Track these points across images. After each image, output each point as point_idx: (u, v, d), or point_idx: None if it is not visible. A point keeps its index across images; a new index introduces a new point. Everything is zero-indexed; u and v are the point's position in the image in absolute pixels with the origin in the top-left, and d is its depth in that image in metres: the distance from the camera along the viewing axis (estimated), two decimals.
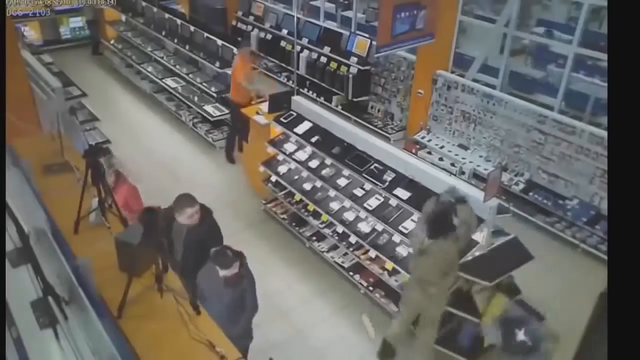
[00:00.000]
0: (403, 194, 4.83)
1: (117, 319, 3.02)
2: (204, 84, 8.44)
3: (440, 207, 3.97)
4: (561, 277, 5.63)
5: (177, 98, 8.94)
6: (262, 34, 10.65)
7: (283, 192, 6.20)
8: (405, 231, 4.63)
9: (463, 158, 7.18)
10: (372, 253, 5.13)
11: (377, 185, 5.01)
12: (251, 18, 11.05)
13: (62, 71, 7.79)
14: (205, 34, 8.61)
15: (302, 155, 5.87)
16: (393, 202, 4.93)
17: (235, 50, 7.89)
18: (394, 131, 8.40)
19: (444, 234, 3.85)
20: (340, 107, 9.07)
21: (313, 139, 5.74)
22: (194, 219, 3.89)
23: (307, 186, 5.79)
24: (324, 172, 5.60)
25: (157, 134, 8.60)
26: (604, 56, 6.55)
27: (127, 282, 3.05)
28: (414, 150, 7.56)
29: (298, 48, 9.08)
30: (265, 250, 5.96)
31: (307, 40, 9.40)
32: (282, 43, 10.15)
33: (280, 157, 6.12)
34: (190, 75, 8.79)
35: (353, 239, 5.27)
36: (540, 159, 6.52)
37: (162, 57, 9.50)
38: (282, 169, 6.12)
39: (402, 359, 4.47)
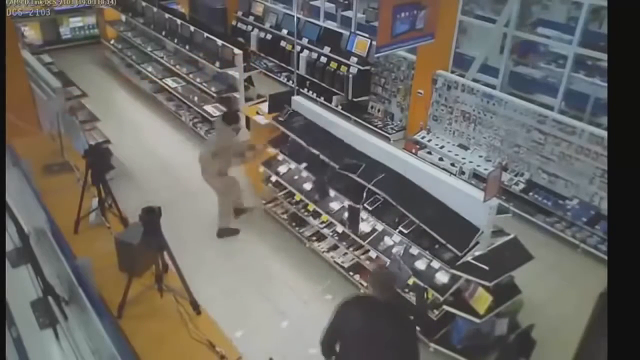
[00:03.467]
0: None
1: (117, 319, 3.02)
2: (204, 84, 8.43)
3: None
4: (561, 277, 5.63)
5: (177, 98, 8.93)
6: (262, 34, 10.65)
7: (283, 192, 6.20)
8: (406, 231, 4.63)
9: (463, 158, 7.17)
10: (372, 253, 5.14)
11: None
12: (251, 18, 11.05)
13: (62, 71, 7.78)
14: (205, 34, 8.61)
15: None
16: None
17: (235, 50, 7.90)
18: (394, 131, 8.40)
19: (227, 122, 5.76)
20: (340, 107, 9.06)
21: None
22: None
23: (307, 186, 5.79)
24: None
25: (157, 134, 8.59)
26: (604, 56, 6.55)
27: (127, 282, 3.05)
28: (414, 150, 7.56)
29: (298, 48, 9.08)
30: (265, 250, 5.96)
31: (307, 40, 9.39)
32: (282, 43, 10.15)
33: (280, 157, 6.11)
34: (190, 75, 8.78)
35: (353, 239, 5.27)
36: (540, 159, 6.52)
37: (162, 57, 9.49)
38: (282, 169, 6.12)
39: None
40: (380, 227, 5.01)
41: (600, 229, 5.87)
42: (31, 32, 11.20)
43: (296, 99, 6.27)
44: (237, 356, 2.89)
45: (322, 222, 5.71)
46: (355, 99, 8.73)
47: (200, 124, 8.31)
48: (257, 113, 6.75)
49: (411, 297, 4.76)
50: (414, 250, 4.66)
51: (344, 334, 3.15)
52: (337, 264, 5.54)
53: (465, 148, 7.36)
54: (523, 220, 6.37)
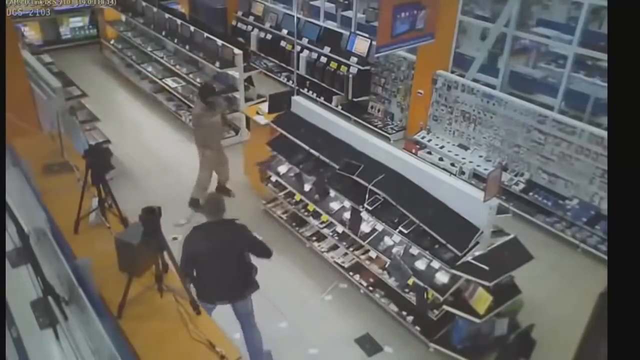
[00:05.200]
0: None
1: (117, 319, 3.02)
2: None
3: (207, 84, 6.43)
4: (561, 277, 5.63)
5: (177, 98, 8.93)
6: (262, 34, 10.66)
7: (283, 192, 6.19)
8: (406, 231, 4.63)
9: (463, 158, 7.17)
10: (372, 253, 5.14)
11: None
12: (251, 18, 11.05)
13: (62, 71, 7.78)
14: (205, 34, 8.61)
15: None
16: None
17: (235, 50, 7.89)
18: (394, 131, 8.41)
19: (200, 97, 6.12)
20: (340, 107, 9.07)
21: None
22: None
23: (307, 186, 5.79)
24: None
25: (157, 134, 8.59)
26: (604, 56, 6.55)
27: (127, 282, 3.05)
28: (414, 150, 7.56)
29: (298, 48, 9.08)
30: None
31: (307, 40, 9.40)
32: (282, 43, 10.15)
33: (280, 157, 6.11)
34: (190, 75, 8.79)
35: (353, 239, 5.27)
36: (540, 159, 6.52)
37: (162, 57, 9.50)
38: (282, 169, 6.12)
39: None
40: (380, 227, 5.01)
41: (600, 229, 5.88)
42: (31, 32, 11.20)
43: (296, 99, 6.27)
44: (237, 356, 2.88)
45: (322, 222, 5.72)
46: (355, 99, 8.73)
47: None
48: (257, 113, 6.75)
49: (411, 297, 4.76)
50: (414, 250, 4.66)
51: (196, 260, 3.88)
52: (337, 264, 5.54)
53: (465, 148, 7.36)
54: (523, 220, 6.38)
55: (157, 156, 7.81)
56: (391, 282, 4.96)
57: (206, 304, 4.00)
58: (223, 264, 3.99)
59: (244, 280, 4.15)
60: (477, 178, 6.92)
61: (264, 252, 4.18)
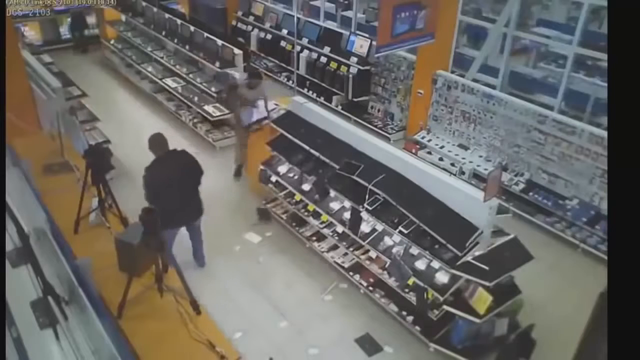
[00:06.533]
0: None
1: (117, 319, 3.02)
2: (204, 84, 8.43)
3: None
4: (561, 277, 5.63)
5: (177, 98, 8.93)
6: (262, 34, 10.66)
7: (283, 192, 6.20)
8: (406, 231, 4.63)
9: (463, 158, 7.17)
10: (372, 253, 5.14)
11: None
12: (251, 18, 11.05)
13: (62, 71, 7.78)
14: (205, 34, 8.62)
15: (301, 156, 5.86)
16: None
17: (235, 50, 7.90)
18: (394, 131, 8.41)
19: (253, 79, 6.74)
20: (340, 107, 9.07)
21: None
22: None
23: (307, 186, 5.79)
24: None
25: None
26: (604, 56, 6.55)
27: (127, 282, 3.05)
28: (414, 150, 7.56)
29: (298, 48, 9.09)
30: (265, 250, 5.96)
31: (307, 40, 9.40)
32: (282, 43, 10.16)
33: (280, 157, 6.11)
34: (190, 75, 8.79)
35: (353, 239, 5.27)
36: (540, 159, 6.52)
37: (162, 57, 9.50)
38: (282, 169, 6.12)
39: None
40: (380, 227, 5.01)
41: (600, 229, 5.87)
42: (31, 32, 11.20)
43: (296, 99, 6.27)
44: (236, 356, 2.89)
45: (322, 222, 5.71)
46: (355, 99, 8.73)
47: (200, 124, 8.31)
48: None
49: (411, 297, 4.76)
50: (414, 250, 4.66)
51: (156, 187, 4.56)
52: (337, 264, 5.53)
53: (465, 148, 7.36)
54: (523, 220, 6.37)
55: None
56: (391, 282, 4.96)
57: (171, 231, 4.77)
58: (187, 186, 4.76)
59: (199, 201, 5.01)
60: (477, 178, 6.92)
61: (200, 171, 4.93)
